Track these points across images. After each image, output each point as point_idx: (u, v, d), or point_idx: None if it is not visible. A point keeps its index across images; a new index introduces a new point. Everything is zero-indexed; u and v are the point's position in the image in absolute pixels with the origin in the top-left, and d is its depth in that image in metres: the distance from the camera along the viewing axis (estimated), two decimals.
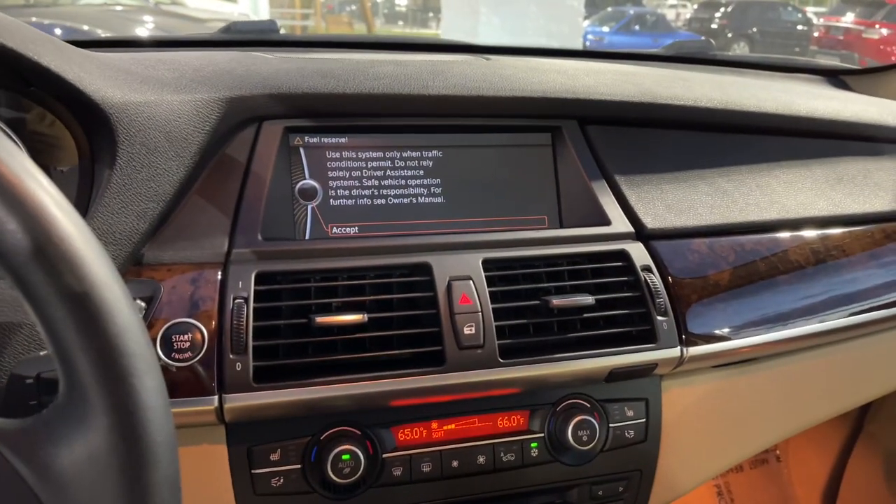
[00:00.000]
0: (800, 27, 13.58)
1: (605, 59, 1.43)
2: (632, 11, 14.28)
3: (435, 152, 0.92)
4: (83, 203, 0.73)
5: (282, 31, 1.46)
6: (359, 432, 0.78)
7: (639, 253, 0.89)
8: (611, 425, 0.87)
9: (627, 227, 0.91)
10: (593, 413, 0.85)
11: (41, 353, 0.64)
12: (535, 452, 0.84)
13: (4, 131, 0.68)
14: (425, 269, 0.80)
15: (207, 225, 0.79)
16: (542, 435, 0.85)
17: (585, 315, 0.84)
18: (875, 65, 1.51)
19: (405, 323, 0.78)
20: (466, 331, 0.78)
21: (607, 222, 0.91)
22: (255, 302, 0.73)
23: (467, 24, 7.76)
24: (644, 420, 0.89)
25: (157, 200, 0.75)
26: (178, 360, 0.70)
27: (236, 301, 0.73)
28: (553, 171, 0.95)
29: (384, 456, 0.79)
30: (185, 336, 0.70)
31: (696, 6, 16.17)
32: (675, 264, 0.90)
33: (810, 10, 14.11)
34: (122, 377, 0.41)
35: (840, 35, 11.93)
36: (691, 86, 1.06)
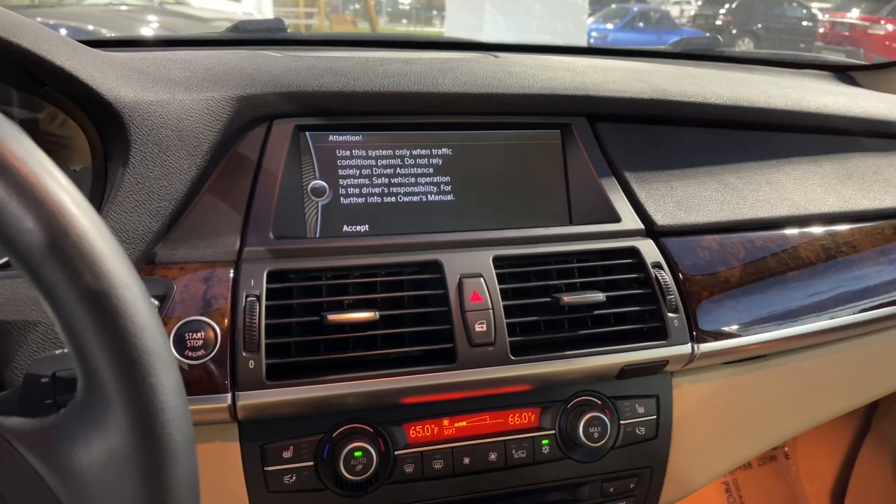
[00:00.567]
0: (805, 23, 13.52)
1: (614, 57, 1.43)
2: (636, 8, 14.22)
3: (445, 150, 0.92)
4: (96, 202, 0.74)
5: (288, 30, 1.46)
6: (371, 429, 0.79)
7: (649, 250, 0.89)
8: (622, 422, 0.87)
9: (637, 224, 0.91)
10: (604, 410, 0.85)
11: (56, 352, 0.65)
12: (546, 449, 0.84)
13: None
14: (436, 266, 0.80)
15: (219, 223, 0.79)
16: (553, 432, 0.85)
17: (596, 312, 0.84)
18: (881, 60, 1.50)
19: (416, 320, 0.78)
20: (477, 328, 0.78)
21: (617, 219, 0.91)
22: (267, 300, 0.74)
23: (471, 22, 7.75)
24: (655, 417, 0.89)
25: (170, 199, 0.75)
26: (192, 358, 0.70)
27: (249, 299, 0.73)
28: (563, 168, 0.95)
29: (396, 453, 0.79)
30: (198, 334, 0.71)
31: (700, 2, 16.13)
32: (686, 261, 0.90)
33: (815, 6, 14.04)
34: (141, 376, 0.41)
35: (845, 31, 11.88)
36: (700, 82, 1.06)
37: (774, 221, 0.99)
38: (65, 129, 0.75)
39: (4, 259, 0.74)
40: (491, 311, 0.79)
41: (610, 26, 13.80)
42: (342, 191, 0.87)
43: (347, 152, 0.88)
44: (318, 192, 0.86)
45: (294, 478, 0.76)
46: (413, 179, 0.90)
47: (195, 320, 0.71)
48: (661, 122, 1.03)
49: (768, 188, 1.02)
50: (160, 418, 0.41)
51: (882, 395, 1.16)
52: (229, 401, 0.70)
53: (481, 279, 0.80)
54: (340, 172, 0.87)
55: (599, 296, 0.83)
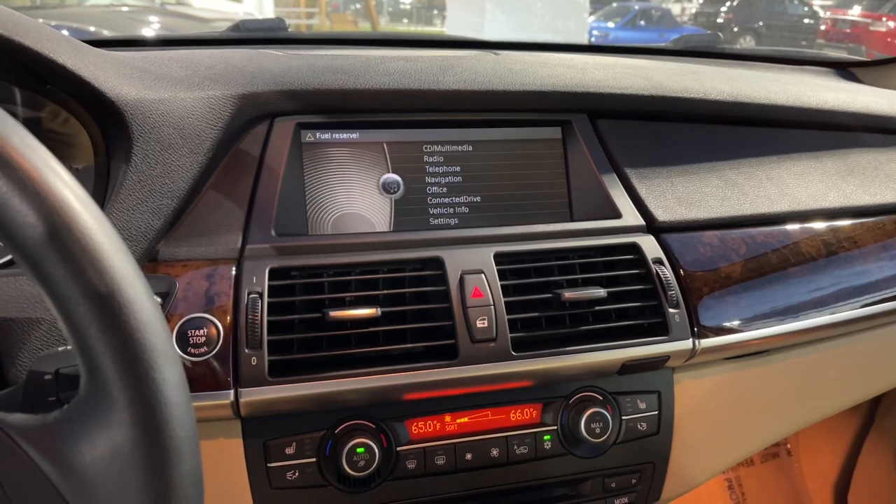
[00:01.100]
0: (806, 21, 13.49)
1: (615, 54, 1.43)
2: (637, 7, 14.20)
3: (446, 147, 0.92)
4: (99, 200, 0.74)
5: (289, 30, 1.46)
6: (373, 426, 0.79)
7: (650, 246, 0.89)
8: (623, 418, 0.87)
9: (638, 220, 0.91)
10: (606, 406, 0.85)
11: (59, 350, 0.65)
12: (548, 445, 0.85)
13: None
14: (437, 263, 0.81)
15: (221, 221, 0.79)
16: (554, 428, 0.85)
17: (597, 308, 0.84)
18: (883, 57, 1.50)
19: (418, 317, 0.78)
20: (479, 324, 0.78)
21: (618, 215, 0.91)
22: (269, 297, 0.74)
23: (472, 21, 7.75)
24: (656, 412, 0.89)
25: (172, 197, 0.75)
26: (194, 355, 0.70)
27: (251, 296, 0.73)
28: (564, 164, 0.96)
29: (398, 449, 0.79)
30: (201, 331, 0.71)
31: (701, 0, 16.11)
32: (687, 257, 0.90)
33: (816, 4, 14.01)
34: (144, 372, 0.41)
35: (847, 28, 11.86)
36: (701, 79, 1.06)
37: (775, 217, 0.99)
38: (67, 127, 0.76)
39: (7, 258, 0.74)
40: (492, 307, 0.79)
41: (611, 25, 13.79)
42: (346, 188, 0.87)
43: (348, 150, 0.88)
44: (322, 189, 0.86)
45: (297, 474, 0.77)
46: (414, 177, 0.90)
47: (198, 317, 0.72)
48: (661, 119, 1.03)
49: (769, 184, 1.02)
50: (163, 413, 0.42)
51: (884, 390, 1.16)
52: (232, 397, 0.71)
53: (482, 275, 0.80)
54: (343, 170, 0.88)
55: (600, 292, 0.83)
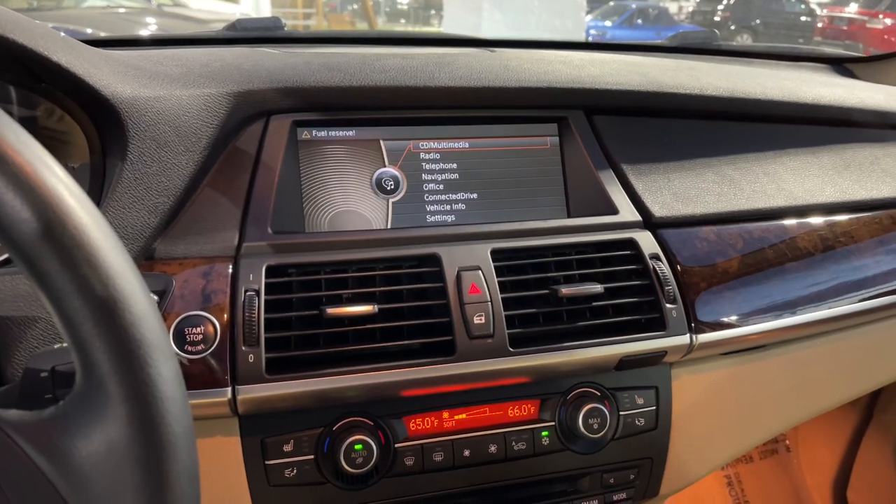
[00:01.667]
0: (803, 18, 13.51)
1: (611, 51, 1.43)
2: (634, 5, 14.22)
3: (442, 144, 0.92)
4: (95, 199, 0.74)
5: (286, 29, 1.46)
6: (371, 423, 0.79)
7: (647, 241, 0.89)
8: (621, 413, 0.87)
9: (635, 216, 0.92)
10: (604, 401, 0.85)
11: (55, 347, 0.65)
12: (546, 441, 0.85)
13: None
14: (434, 259, 0.81)
15: (218, 219, 0.79)
16: (552, 423, 0.85)
17: (594, 304, 0.84)
18: (880, 53, 1.50)
19: (415, 313, 0.78)
20: (476, 320, 0.78)
21: (615, 211, 0.91)
22: (266, 294, 0.74)
23: (470, 21, 7.75)
24: (654, 408, 0.89)
25: (168, 195, 0.75)
26: (191, 353, 0.70)
27: (248, 294, 0.73)
28: (560, 161, 0.96)
29: (396, 446, 0.79)
30: (198, 329, 0.71)
31: None
32: (684, 252, 0.90)
33: (813, 1, 14.03)
34: (139, 366, 0.41)
35: (844, 25, 11.88)
36: (697, 75, 1.06)
37: (772, 212, 0.99)
38: (63, 125, 0.76)
39: (2, 258, 0.74)
40: (489, 303, 0.79)
41: (608, 23, 13.81)
42: (342, 185, 0.87)
43: (345, 147, 0.88)
44: (319, 187, 0.87)
45: (295, 471, 0.77)
46: (411, 174, 0.90)
47: (195, 315, 0.72)
48: (658, 115, 1.04)
49: (766, 179, 1.02)
50: (159, 409, 0.41)
51: (882, 385, 1.16)
52: (229, 395, 0.71)
53: (479, 272, 0.80)
54: (340, 168, 0.88)
55: (597, 287, 0.83)
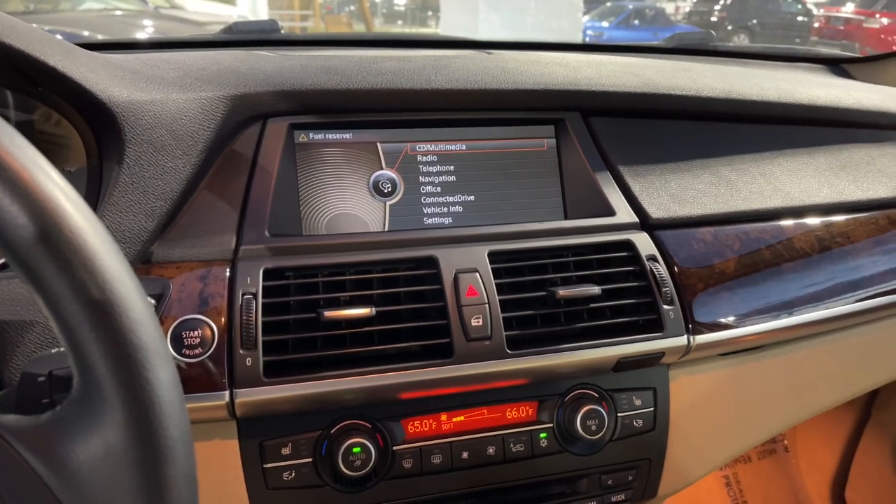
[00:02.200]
0: (800, 18, 13.53)
1: (607, 52, 1.43)
2: (631, 6, 14.24)
3: (439, 146, 0.92)
4: (92, 202, 0.74)
5: (282, 32, 1.46)
6: (369, 425, 0.79)
7: (644, 243, 0.89)
8: (619, 415, 0.87)
9: (632, 218, 0.92)
10: (601, 403, 0.85)
11: (52, 351, 0.65)
12: (544, 443, 0.85)
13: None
14: (432, 262, 0.81)
15: (215, 222, 0.79)
16: (550, 425, 0.85)
17: (592, 305, 0.84)
18: (875, 53, 1.51)
19: (413, 316, 0.78)
20: (474, 322, 0.78)
21: (612, 213, 0.91)
22: (263, 297, 0.74)
23: (467, 22, 7.76)
24: (652, 409, 0.89)
25: (165, 198, 0.75)
26: (189, 357, 0.70)
27: (245, 297, 0.73)
28: (557, 162, 0.96)
29: (394, 448, 0.79)
30: (196, 332, 0.71)
31: None
32: (681, 253, 0.90)
33: (810, 1, 14.05)
34: (136, 371, 0.41)
35: (840, 25, 11.89)
36: (693, 76, 1.07)
37: (769, 213, 0.99)
38: (59, 129, 0.76)
39: (2, 260, 0.74)
40: (487, 305, 0.79)
41: (605, 24, 13.82)
42: (339, 188, 0.87)
43: (341, 150, 0.88)
44: (316, 189, 0.87)
45: (293, 474, 0.77)
46: (408, 176, 0.90)
47: (192, 319, 0.72)
48: (654, 116, 1.04)
49: (762, 180, 1.02)
50: (156, 413, 0.41)
51: (880, 385, 1.17)
52: (227, 398, 0.71)
53: (477, 274, 0.80)
54: (337, 170, 0.88)
55: (595, 289, 0.83)
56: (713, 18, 13.99)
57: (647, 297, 0.86)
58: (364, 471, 0.76)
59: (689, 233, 0.93)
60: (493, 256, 0.83)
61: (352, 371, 0.74)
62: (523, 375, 0.81)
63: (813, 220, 1.02)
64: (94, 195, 0.75)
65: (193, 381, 0.70)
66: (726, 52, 1.56)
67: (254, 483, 0.76)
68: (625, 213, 0.92)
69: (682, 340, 0.86)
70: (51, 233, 0.39)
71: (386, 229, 0.88)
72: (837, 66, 1.55)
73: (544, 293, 0.82)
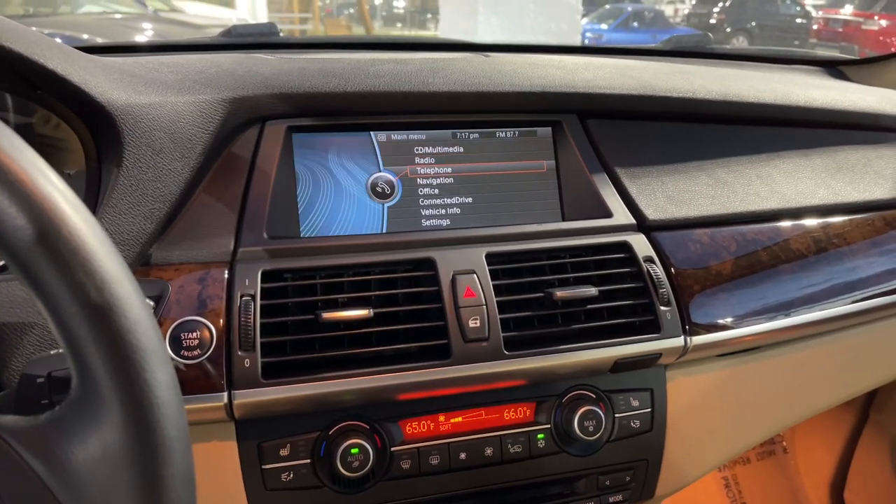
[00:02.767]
0: (798, 20, 13.54)
1: (604, 55, 1.43)
2: (630, 8, 14.25)
3: (437, 148, 0.92)
4: (90, 205, 0.74)
5: (281, 35, 1.47)
6: (367, 426, 0.79)
7: (641, 244, 0.89)
8: (616, 415, 0.88)
9: (629, 219, 0.92)
10: (599, 404, 0.86)
11: (51, 353, 0.65)
12: (541, 444, 0.85)
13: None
14: (429, 263, 0.81)
15: (213, 224, 0.79)
16: (548, 426, 0.85)
17: (589, 306, 0.84)
18: (872, 55, 1.51)
19: (411, 317, 0.79)
20: (471, 324, 0.78)
21: (609, 214, 0.92)
22: (262, 299, 0.74)
23: (465, 25, 7.76)
24: (649, 410, 0.90)
25: (164, 201, 0.75)
26: (188, 358, 0.71)
27: (244, 298, 0.73)
28: (555, 164, 0.96)
29: (392, 449, 0.80)
30: (194, 334, 0.71)
31: (694, 1, 16.16)
32: (677, 255, 0.91)
33: (809, 3, 14.06)
34: (135, 371, 0.41)
35: (839, 27, 11.90)
36: (690, 78, 1.07)
37: (765, 214, 0.99)
38: (58, 132, 0.76)
39: (1, 262, 0.75)
40: (484, 306, 0.79)
41: (604, 26, 13.83)
42: (337, 190, 0.88)
43: (339, 153, 0.89)
44: (314, 192, 0.87)
45: (291, 475, 0.77)
46: (406, 178, 0.91)
47: (191, 320, 0.72)
48: (651, 118, 1.04)
49: (759, 182, 1.03)
50: (154, 413, 0.42)
51: (877, 385, 1.17)
52: (226, 399, 0.71)
53: (474, 275, 0.81)
54: (335, 172, 0.88)
55: (592, 290, 0.83)
56: (712, 21, 14.00)
57: (644, 298, 0.86)
58: (362, 472, 0.76)
59: (686, 234, 0.93)
60: (491, 258, 0.83)
61: (350, 372, 0.75)
62: (521, 376, 0.81)
63: (809, 222, 1.02)
64: (92, 198, 0.75)
65: (192, 382, 0.70)
66: (723, 54, 1.57)
67: (252, 484, 0.77)
68: (622, 215, 0.92)
69: (679, 341, 0.86)
70: (49, 234, 0.39)
71: (384, 231, 0.88)
72: (834, 68, 1.55)
73: (542, 294, 0.83)
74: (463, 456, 0.82)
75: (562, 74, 0.98)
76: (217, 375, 0.71)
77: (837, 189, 1.07)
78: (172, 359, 0.69)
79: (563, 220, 0.94)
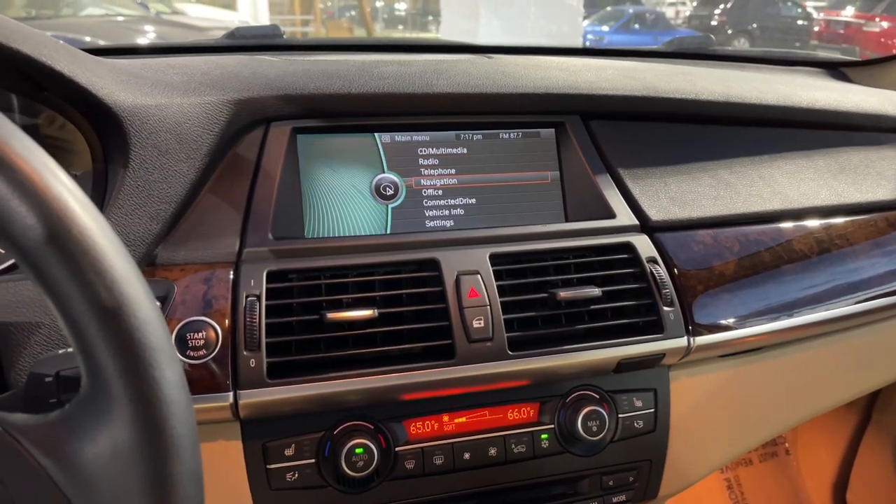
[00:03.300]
0: (800, 22, 13.53)
1: (607, 57, 1.44)
2: (631, 10, 14.25)
3: (441, 149, 0.93)
4: (96, 205, 0.74)
5: (284, 37, 1.47)
6: (371, 426, 0.79)
7: (644, 245, 0.90)
8: (620, 416, 0.88)
9: (632, 220, 0.92)
10: (602, 404, 0.86)
11: (59, 352, 0.65)
12: (545, 444, 0.85)
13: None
14: (433, 264, 0.81)
15: (219, 225, 0.80)
16: (552, 426, 0.85)
17: (593, 307, 0.84)
18: (874, 57, 1.51)
19: (415, 318, 0.79)
20: (475, 324, 0.79)
21: (612, 215, 0.92)
22: (267, 299, 0.75)
23: (467, 26, 7.77)
24: (653, 410, 0.90)
25: (170, 202, 0.76)
26: (193, 358, 0.71)
27: (249, 299, 0.74)
28: (558, 166, 0.96)
29: (397, 449, 0.80)
30: (200, 334, 0.71)
31: (695, 3, 16.16)
32: (681, 255, 0.91)
33: (810, 5, 14.05)
34: (144, 370, 0.41)
35: (840, 29, 11.89)
36: (693, 80, 1.07)
37: (768, 215, 1.00)
38: (65, 133, 0.76)
39: (7, 263, 0.75)
40: (488, 307, 0.79)
41: (606, 28, 13.82)
42: (342, 191, 0.88)
43: (344, 154, 0.89)
44: (318, 192, 0.87)
45: (296, 475, 0.77)
46: (410, 179, 0.91)
47: (196, 320, 0.72)
48: (654, 120, 1.04)
49: (761, 183, 1.03)
50: (163, 411, 0.42)
51: (880, 386, 1.17)
52: (231, 399, 0.71)
53: (478, 276, 0.81)
54: (339, 173, 0.88)
55: (595, 291, 0.84)
56: (713, 22, 13.99)
57: (648, 298, 0.86)
58: (367, 471, 0.76)
59: (689, 235, 0.94)
60: (495, 258, 0.84)
61: (354, 372, 0.75)
62: (525, 377, 0.81)
63: (812, 223, 1.02)
64: (99, 198, 0.76)
65: (198, 382, 0.71)
66: (725, 55, 1.57)
67: (257, 484, 0.77)
68: (625, 216, 0.92)
69: (682, 342, 0.86)
70: (60, 234, 0.39)
71: (388, 232, 0.89)
72: (836, 69, 1.56)
73: (545, 295, 0.83)
74: (467, 456, 0.83)
75: (565, 76, 0.98)
76: (222, 375, 0.71)
77: (840, 190, 1.07)
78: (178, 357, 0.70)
79: (567, 220, 0.94)
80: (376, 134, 0.91)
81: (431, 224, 0.90)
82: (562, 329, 0.83)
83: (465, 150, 0.94)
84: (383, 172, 0.90)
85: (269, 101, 0.85)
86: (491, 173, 0.94)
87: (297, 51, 1.30)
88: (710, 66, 1.43)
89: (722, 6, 13.98)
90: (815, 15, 13.47)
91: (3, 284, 0.68)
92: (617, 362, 0.84)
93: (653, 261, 0.88)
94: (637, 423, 0.89)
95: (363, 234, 0.88)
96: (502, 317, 0.80)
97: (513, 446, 0.84)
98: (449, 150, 0.93)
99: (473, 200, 0.93)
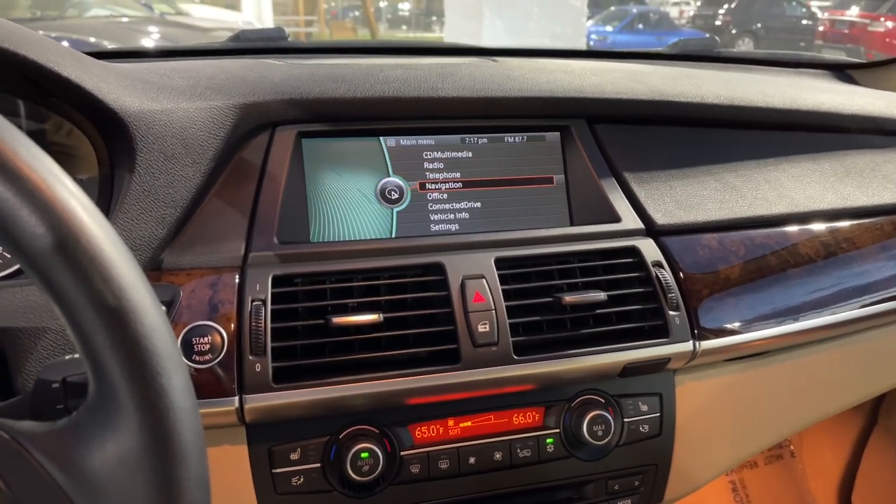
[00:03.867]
0: (804, 22, 13.50)
1: (612, 59, 1.44)
2: (635, 10, 14.23)
3: (446, 153, 0.93)
4: (103, 211, 0.74)
5: (289, 39, 1.47)
6: (377, 430, 0.79)
7: (649, 249, 0.89)
8: (625, 420, 0.88)
9: (637, 224, 0.92)
10: (608, 408, 0.86)
11: (66, 358, 0.65)
12: (550, 448, 0.85)
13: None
14: (439, 268, 0.81)
15: (224, 229, 0.80)
16: (557, 431, 0.85)
17: (598, 311, 0.84)
18: (881, 58, 1.51)
19: (420, 322, 0.79)
20: (481, 329, 0.79)
21: (617, 219, 0.92)
22: (272, 304, 0.75)
23: (471, 27, 7.77)
24: (658, 414, 0.90)
25: (176, 206, 0.76)
26: (199, 363, 0.71)
27: (254, 303, 0.74)
28: (563, 169, 0.96)
29: (402, 453, 0.80)
30: (205, 339, 0.72)
31: (699, 3, 16.14)
32: (686, 259, 0.91)
33: (814, 5, 14.02)
34: (151, 377, 0.41)
35: (845, 29, 11.85)
36: (697, 83, 1.07)
37: (774, 219, 0.99)
38: (71, 138, 0.77)
39: (13, 268, 0.75)
40: (494, 311, 0.79)
41: (609, 28, 13.80)
42: (347, 195, 0.88)
43: (349, 158, 0.89)
44: (324, 197, 0.87)
45: (302, 479, 0.77)
46: (415, 183, 0.91)
47: (202, 325, 0.72)
48: (659, 123, 1.04)
49: (767, 186, 1.03)
50: (171, 418, 0.42)
51: (886, 390, 1.17)
52: (237, 404, 0.71)
53: (483, 280, 0.81)
54: (344, 178, 0.88)
55: (601, 295, 0.84)
56: (717, 23, 13.96)
57: (653, 302, 0.86)
58: (372, 476, 0.76)
59: (695, 239, 0.94)
60: (500, 263, 0.83)
61: (360, 377, 0.75)
62: (530, 381, 0.81)
63: (818, 226, 1.02)
64: (105, 204, 0.76)
65: (203, 387, 0.71)
66: (730, 58, 1.57)
67: (263, 488, 0.77)
68: (630, 220, 0.92)
69: (687, 346, 0.86)
70: (68, 242, 0.39)
71: (393, 236, 0.89)
72: (842, 71, 1.55)
73: (550, 299, 0.83)
74: (472, 460, 0.82)
75: (570, 79, 0.98)
76: (228, 380, 0.72)
77: (846, 193, 1.07)
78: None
79: (572, 224, 0.94)
80: (381, 138, 0.91)
81: (436, 228, 0.90)
82: (567, 333, 0.83)
83: (470, 154, 0.94)
84: (388, 176, 0.90)
85: (274, 105, 0.85)
86: (496, 177, 0.94)
87: (302, 54, 1.31)
88: (716, 69, 1.42)
89: (726, 6, 13.95)
90: (819, 15, 13.44)
91: (9, 289, 0.68)
92: (622, 366, 0.84)
93: (658, 265, 0.88)
94: (642, 428, 0.89)
95: (368, 238, 0.88)
96: (508, 321, 0.80)
97: (518, 451, 0.84)
98: (454, 154, 0.93)
99: (478, 204, 0.93)
